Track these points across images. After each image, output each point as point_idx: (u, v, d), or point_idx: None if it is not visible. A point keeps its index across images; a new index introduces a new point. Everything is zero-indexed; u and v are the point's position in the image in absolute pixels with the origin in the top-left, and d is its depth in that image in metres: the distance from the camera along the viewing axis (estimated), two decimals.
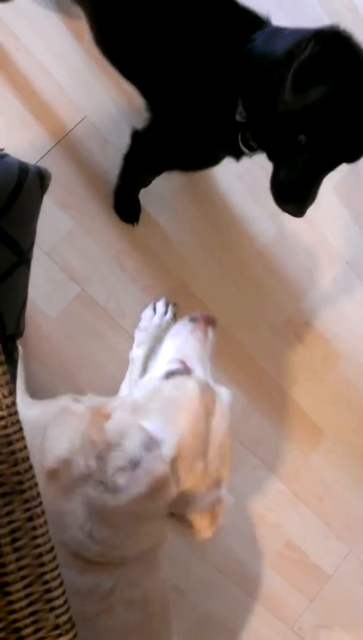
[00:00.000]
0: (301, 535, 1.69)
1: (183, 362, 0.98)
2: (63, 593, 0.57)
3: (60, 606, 0.57)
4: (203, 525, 0.88)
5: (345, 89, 0.89)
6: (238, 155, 1.15)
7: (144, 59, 1.09)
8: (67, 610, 0.58)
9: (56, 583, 0.57)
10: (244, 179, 1.61)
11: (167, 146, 1.21)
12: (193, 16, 1.03)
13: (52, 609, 0.57)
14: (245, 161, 1.59)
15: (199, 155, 1.22)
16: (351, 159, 1.00)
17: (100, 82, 1.45)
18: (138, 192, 1.48)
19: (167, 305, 1.52)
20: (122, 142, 1.47)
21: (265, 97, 0.97)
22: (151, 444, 0.84)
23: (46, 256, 1.43)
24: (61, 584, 0.57)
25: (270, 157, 1.07)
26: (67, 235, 1.45)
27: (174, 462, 0.84)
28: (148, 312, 1.51)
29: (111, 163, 1.47)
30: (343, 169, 1.70)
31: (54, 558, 0.57)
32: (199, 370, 0.97)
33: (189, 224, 1.57)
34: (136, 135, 1.25)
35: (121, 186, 1.44)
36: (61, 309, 1.45)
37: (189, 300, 1.55)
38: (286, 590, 1.67)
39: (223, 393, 0.95)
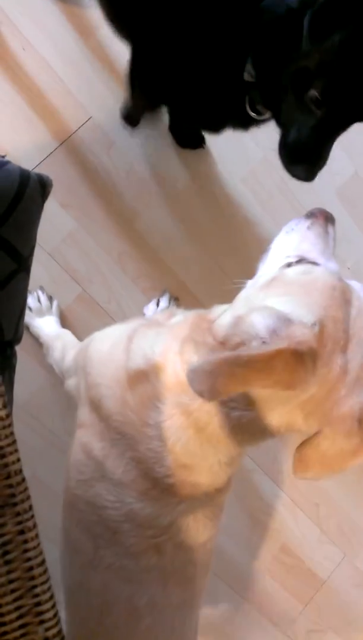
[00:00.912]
0: (296, 540, 1.70)
1: (303, 257, 0.81)
2: (53, 606, 0.57)
3: (50, 619, 0.57)
4: (351, 443, 0.67)
5: (360, 37, 0.83)
6: (245, 123, 1.10)
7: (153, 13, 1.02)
8: (57, 623, 0.58)
9: (46, 596, 0.57)
10: (248, 182, 1.61)
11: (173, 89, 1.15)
12: None
13: (42, 622, 0.57)
14: (249, 165, 1.60)
15: (205, 111, 1.16)
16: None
17: (106, 84, 1.44)
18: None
19: (170, 300, 1.52)
20: (126, 144, 1.47)
21: (277, 51, 0.91)
22: (281, 324, 0.66)
23: (47, 256, 1.43)
24: (51, 597, 0.57)
25: (278, 120, 1.01)
26: (69, 236, 1.45)
27: (312, 344, 0.64)
28: (151, 306, 1.51)
29: (116, 164, 1.47)
30: (347, 173, 1.70)
31: (45, 571, 0.57)
32: (328, 264, 0.79)
33: (191, 226, 1.56)
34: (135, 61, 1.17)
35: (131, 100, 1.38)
36: (62, 309, 1.45)
37: (191, 302, 1.55)
38: (281, 594, 1.68)
39: (358, 287, 0.75)
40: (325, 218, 0.88)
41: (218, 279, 1.60)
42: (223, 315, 0.76)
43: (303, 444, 0.71)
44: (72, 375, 1.04)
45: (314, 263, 0.78)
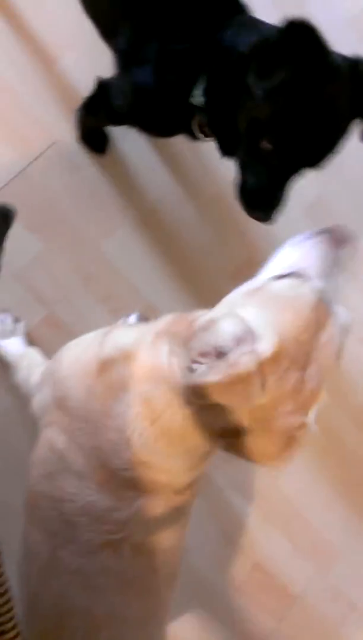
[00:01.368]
0: (268, 556, 1.70)
1: (298, 272, 0.83)
2: (12, 619, 0.57)
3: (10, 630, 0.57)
4: (275, 451, 0.74)
5: (306, 78, 0.89)
6: (192, 137, 1.15)
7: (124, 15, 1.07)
8: (16, 636, 0.58)
9: (4, 609, 0.57)
10: (216, 204, 1.65)
11: (123, 105, 1.19)
12: None
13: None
14: (216, 186, 1.64)
15: (151, 123, 1.20)
16: (314, 163, 1.00)
17: (70, 109, 1.47)
18: (101, 125, 1.48)
19: (139, 319, 1.54)
20: (91, 168, 1.50)
21: (228, 89, 0.98)
22: (246, 335, 0.71)
23: (13, 278, 1.44)
24: (10, 609, 0.57)
25: (222, 146, 1.08)
26: (35, 258, 1.46)
27: (267, 361, 0.69)
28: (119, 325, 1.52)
29: (80, 187, 1.50)
30: (312, 194, 1.76)
31: (9, 600, 0.57)
32: (318, 282, 0.81)
33: (160, 247, 1.59)
34: (100, 85, 1.23)
35: (82, 120, 1.42)
36: (28, 331, 1.45)
37: None
38: (254, 611, 1.67)
39: (341, 314, 0.78)
40: (338, 238, 0.88)
41: (187, 300, 1.62)
42: (205, 315, 0.80)
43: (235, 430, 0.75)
44: (39, 391, 1.04)
45: (306, 279, 0.80)
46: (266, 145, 0.96)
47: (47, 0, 1.45)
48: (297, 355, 0.71)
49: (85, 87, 1.32)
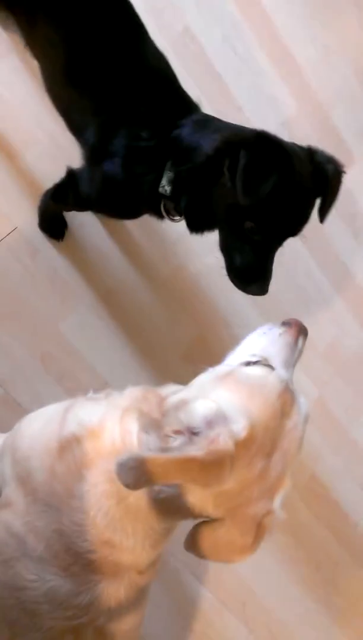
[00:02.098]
0: None
1: (265, 359, 0.87)
2: None
3: None
4: (242, 540, 0.74)
5: (283, 179, 1.02)
6: (159, 216, 1.23)
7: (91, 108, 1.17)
8: None
9: None
10: (168, 286, 1.73)
11: (91, 193, 1.26)
12: (138, 85, 1.13)
13: None
14: (169, 269, 1.73)
15: (119, 209, 1.29)
16: (292, 233, 1.12)
17: (33, 198, 1.55)
18: (61, 212, 1.54)
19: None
20: (50, 252, 1.56)
21: (200, 187, 1.09)
22: (218, 418, 0.72)
23: None
24: None
25: (191, 225, 1.17)
26: None
27: (239, 445, 0.70)
28: None
29: (40, 270, 1.55)
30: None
31: None
32: (283, 372, 0.85)
33: (115, 328, 1.64)
34: (70, 174, 1.30)
35: (45, 207, 1.49)
36: None
37: None
38: None
39: (303, 403, 0.82)
40: (298, 330, 0.97)
41: (142, 379, 1.65)
42: (176, 394, 0.82)
43: (203, 522, 0.77)
44: None
45: (272, 368, 0.84)
46: (249, 224, 1.06)
47: (10, 98, 1.55)
48: (264, 441, 0.74)
49: (47, 178, 1.40)
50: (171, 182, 1.13)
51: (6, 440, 1.00)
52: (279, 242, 1.13)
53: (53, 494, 0.82)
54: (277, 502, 0.76)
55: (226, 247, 1.14)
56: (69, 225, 1.59)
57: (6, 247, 1.51)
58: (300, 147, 1.11)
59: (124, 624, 0.85)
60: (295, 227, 1.12)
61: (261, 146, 1.02)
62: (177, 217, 1.20)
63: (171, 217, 1.20)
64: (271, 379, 0.81)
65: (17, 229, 1.53)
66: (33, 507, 0.83)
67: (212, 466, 0.68)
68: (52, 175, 1.36)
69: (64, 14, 1.14)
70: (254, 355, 0.89)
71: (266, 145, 1.03)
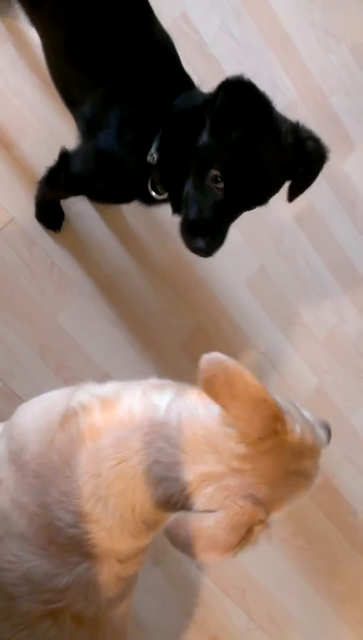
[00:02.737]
0: (225, 629, 1.67)
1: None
2: None
3: None
4: (227, 538, 0.75)
5: (255, 130, 1.00)
6: (147, 200, 1.22)
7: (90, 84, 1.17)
8: None
9: None
10: (166, 275, 1.72)
11: (85, 172, 1.25)
12: (139, 59, 1.13)
13: None
14: (167, 259, 1.72)
15: (109, 188, 1.26)
16: (260, 200, 1.07)
17: (28, 188, 1.54)
18: (57, 201, 1.53)
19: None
20: (47, 243, 1.55)
21: (180, 139, 1.07)
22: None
23: None
24: None
25: (174, 200, 1.14)
26: None
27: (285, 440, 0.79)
28: None
29: (37, 262, 1.54)
30: (255, 265, 1.86)
31: None
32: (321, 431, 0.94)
33: (114, 319, 1.64)
34: (64, 155, 1.30)
35: (41, 196, 1.48)
36: None
37: None
38: None
39: (323, 436, 0.91)
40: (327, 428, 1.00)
41: (142, 370, 1.65)
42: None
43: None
44: None
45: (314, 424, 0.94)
46: (214, 172, 1.02)
47: (5, 87, 1.54)
48: (293, 457, 0.80)
49: (43, 168, 1.38)
50: (158, 149, 1.11)
51: (5, 427, 1.00)
52: (242, 206, 1.08)
53: (47, 465, 0.83)
54: (273, 518, 0.79)
55: (186, 199, 1.09)
56: (67, 216, 1.58)
57: (3, 238, 1.50)
58: (287, 119, 1.08)
59: (107, 612, 0.85)
60: (261, 190, 1.07)
61: (243, 93, 0.99)
62: (162, 193, 1.18)
63: (157, 193, 1.18)
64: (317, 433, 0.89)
65: (13, 220, 1.52)
66: (22, 482, 0.84)
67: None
68: (48, 164, 1.34)
69: None
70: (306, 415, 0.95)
71: (249, 94, 1.00)
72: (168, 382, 0.92)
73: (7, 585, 0.82)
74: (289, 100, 1.95)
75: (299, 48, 1.99)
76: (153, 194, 1.18)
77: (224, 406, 0.77)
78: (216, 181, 1.03)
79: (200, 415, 0.81)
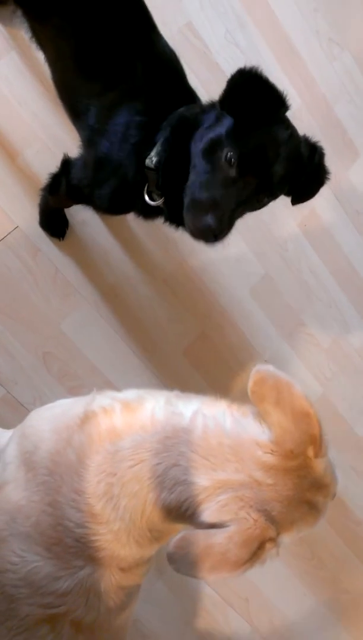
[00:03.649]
0: (228, 638, 1.66)
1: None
2: None
3: None
4: (239, 553, 0.73)
5: (270, 114, 1.04)
6: (144, 211, 1.22)
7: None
8: None
9: None
10: (169, 282, 1.72)
11: (84, 179, 1.26)
12: (144, 70, 1.14)
13: None
14: (170, 267, 1.72)
15: (108, 196, 1.25)
16: (270, 188, 1.05)
17: (32, 194, 1.54)
18: (62, 209, 1.53)
19: None
20: (51, 251, 1.55)
21: (182, 140, 1.09)
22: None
23: None
24: None
25: (169, 210, 1.15)
26: None
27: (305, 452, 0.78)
28: None
29: (41, 269, 1.54)
30: (259, 274, 1.86)
31: None
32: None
33: (117, 326, 1.63)
34: (66, 162, 1.31)
35: (45, 204, 1.49)
36: None
37: None
38: None
39: (338, 477, 0.90)
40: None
41: (145, 378, 1.65)
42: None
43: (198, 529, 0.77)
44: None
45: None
46: (228, 152, 1.01)
47: (9, 96, 1.54)
48: (312, 486, 0.80)
49: (47, 176, 1.38)
50: (158, 153, 1.11)
51: (15, 431, 1.00)
52: (252, 192, 1.04)
53: (61, 462, 0.83)
54: (283, 539, 0.78)
55: (193, 184, 1.05)
56: (71, 224, 1.58)
57: (7, 246, 1.51)
58: (306, 138, 1.13)
59: (106, 622, 0.84)
60: (270, 179, 1.04)
61: (260, 80, 1.02)
62: (158, 199, 1.16)
63: (152, 199, 1.16)
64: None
65: (17, 228, 1.52)
66: (33, 481, 0.84)
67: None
68: (51, 172, 1.35)
69: (76, 6, 1.15)
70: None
71: (265, 83, 1.03)
72: (193, 394, 0.92)
73: (8, 587, 0.82)
74: (294, 109, 1.95)
75: (303, 56, 1.99)
76: (148, 199, 1.16)
77: (266, 411, 0.77)
78: (228, 161, 1.01)
79: (228, 424, 0.80)
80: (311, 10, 2.01)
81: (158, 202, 1.16)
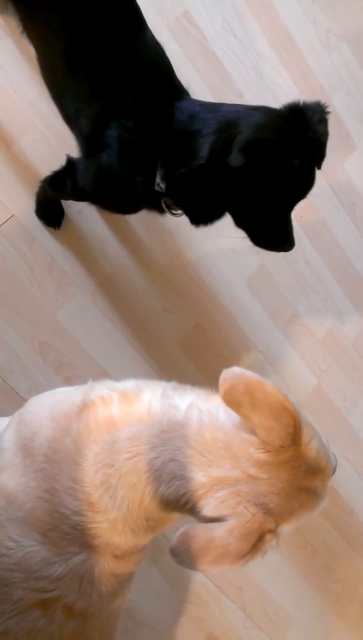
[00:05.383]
0: (222, 627, 1.68)
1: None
2: None
3: None
4: (239, 545, 0.74)
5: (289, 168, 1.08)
6: (161, 211, 1.23)
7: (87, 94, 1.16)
8: None
9: None
10: (166, 274, 1.72)
11: (87, 186, 1.26)
12: (129, 75, 1.12)
13: None
14: (166, 258, 1.72)
15: (115, 203, 1.28)
16: (303, 194, 1.14)
17: (27, 186, 1.53)
18: (58, 199, 1.53)
19: None
20: (47, 240, 1.55)
21: (200, 189, 1.10)
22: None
23: None
24: None
25: (190, 214, 1.17)
26: None
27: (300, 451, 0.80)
28: None
29: (37, 259, 1.54)
30: (255, 265, 1.86)
31: None
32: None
33: (113, 316, 1.64)
34: (69, 162, 1.31)
35: (43, 194, 1.49)
36: None
37: None
38: None
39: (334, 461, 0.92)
40: None
41: (140, 368, 1.66)
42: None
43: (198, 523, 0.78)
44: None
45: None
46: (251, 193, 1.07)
47: (5, 84, 1.53)
48: (306, 476, 0.81)
49: (43, 165, 1.38)
50: (164, 179, 1.12)
51: (13, 418, 1.01)
52: (291, 203, 1.16)
53: (59, 450, 0.84)
54: (282, 530, 0.79)
55: (244, 223, 1.18)
56: (67, 213, 1.58)
57: (2, 234, 1.50)
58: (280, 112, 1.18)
59: (98, 608, 0.85)
60: (302, 193, 1.14)
61: (267, 155, 1.04)
62: (179, 212, 1.20)
63: (172, 212, 1.20)
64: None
65: (13, 217, 1.51)
66: (30, 467, 0.85)
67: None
68: (48, 161, 1.34)
69: (64, 1, 1.12)
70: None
71: (273, 154, 1.05)
72: (189, 386, 0.92)
73: (2, 570, 0.82)
74: (290, 99, 1.94)
75: (300, 47, 1.99)
76: (168, 212, 1.21)
77: (245, 416, 0.77)
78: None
79: (221, 419, 0.82)
80: (309, 0, 2.01)
81: (179, 214, 1.20)
